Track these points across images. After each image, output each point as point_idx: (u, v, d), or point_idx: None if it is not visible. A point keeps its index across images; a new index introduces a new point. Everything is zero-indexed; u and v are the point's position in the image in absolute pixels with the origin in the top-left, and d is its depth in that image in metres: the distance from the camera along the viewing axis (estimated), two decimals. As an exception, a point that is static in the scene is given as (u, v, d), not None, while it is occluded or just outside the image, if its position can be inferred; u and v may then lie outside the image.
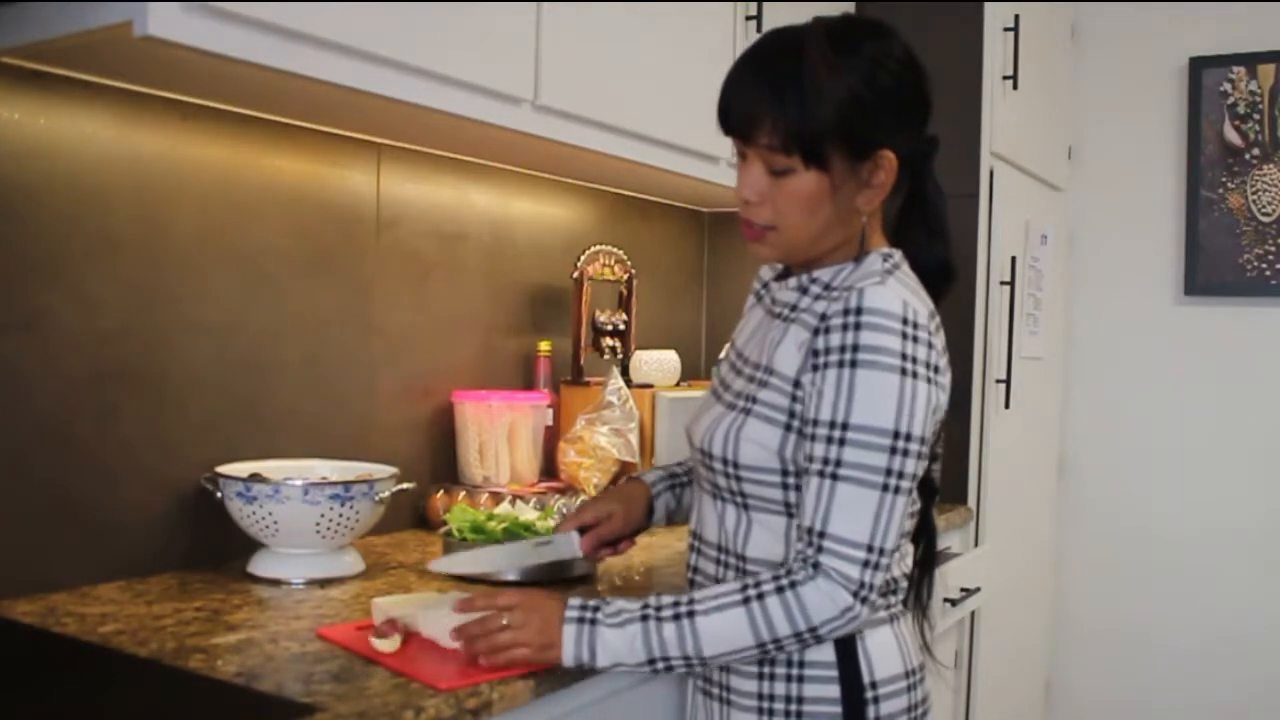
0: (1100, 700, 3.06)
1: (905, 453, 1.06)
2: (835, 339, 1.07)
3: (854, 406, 1.06)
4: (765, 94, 1.10)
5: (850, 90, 1.08)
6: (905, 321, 1.07)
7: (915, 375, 1.07)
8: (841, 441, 1.06)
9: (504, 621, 1.10)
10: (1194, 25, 2.93)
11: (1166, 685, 2.96)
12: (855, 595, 1.05)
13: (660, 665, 1.08)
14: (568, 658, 1.08)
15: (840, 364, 1.07)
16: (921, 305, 1.11)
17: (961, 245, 2.31)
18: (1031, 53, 2.55)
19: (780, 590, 1.06)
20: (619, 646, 1.07)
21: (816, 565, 1.06)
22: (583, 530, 1.34)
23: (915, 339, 1.07)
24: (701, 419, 1.21)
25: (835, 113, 1.08)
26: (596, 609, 1.09)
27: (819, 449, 1.07)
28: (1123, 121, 3.04)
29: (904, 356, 1.06)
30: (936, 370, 1.10)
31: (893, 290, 1.09)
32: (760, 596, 1.06)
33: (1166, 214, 2.98)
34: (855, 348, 1.06)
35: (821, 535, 1.06)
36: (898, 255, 1.17)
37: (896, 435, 1.06)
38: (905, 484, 1.07)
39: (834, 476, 1.06)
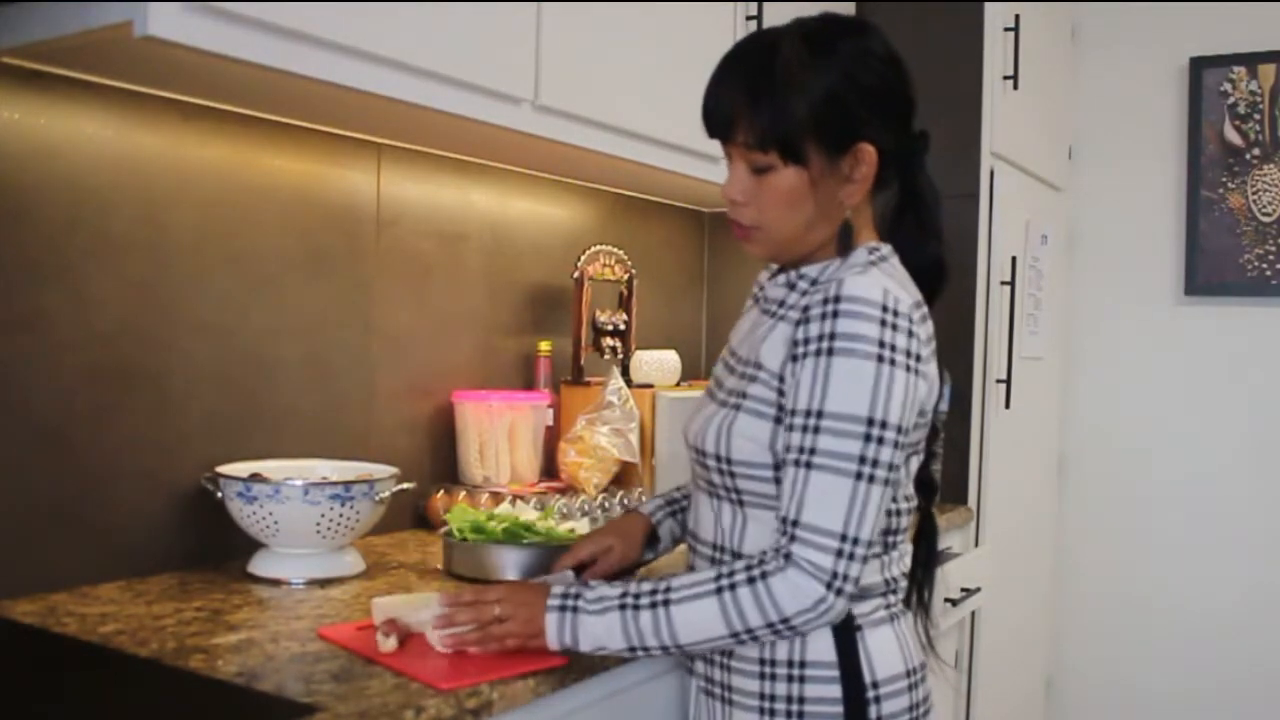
0: (1101, 700, 3.06)
1: (881, 440, 1.05)
2: (814, 328, 1.08)
3: (829, 394, 1.05)
4: (741, 93, 1.12)
5: (824, 85, 1.09)
6: (885, 309, 1.06)
7: (893, 363, 1.06)
8: (816, 430, 1.06)
9: (495, 612, 1.12)
10: (1194, 25, 2.93)
11: (1167, 685, 2.96)
12: (828, 586, 1.04)
13: (640, 652, 1.10)
14: (552, 642, 1.10)
15: (818, 353, 1.07)
16: (905, 294, 1.11)
17: (962, 245, 2.32)
18: (1031, 53, 2.55)
19: (751, 580, 1.06)
20: (599, 632, 1.09)
21: (789, 556, 1.05)
22: (580, 569, 1.34)
23: (895, 326, 1.07)
24: (695, 418, 1.22)
25: (809, 108, 1.09)
26: (578, 596, 1.11)
27: (795, 438, 1.07)
28: (1123, 121, 3.04)
29: (882, 344, 1.06)
30: (918, 359, 1.09)
31: (873, 279, 1.09)
32: (733, 587, 1.07)
33: (1167, 214, 2.98)
34: (832, 335, 1.06)
35: (795, 524, 1.06)
36: (885, 249, 1.17)
37: (871, 422, 1.05)
38: (881, 473, 1.06)
39: (808, 465, 1.06)
